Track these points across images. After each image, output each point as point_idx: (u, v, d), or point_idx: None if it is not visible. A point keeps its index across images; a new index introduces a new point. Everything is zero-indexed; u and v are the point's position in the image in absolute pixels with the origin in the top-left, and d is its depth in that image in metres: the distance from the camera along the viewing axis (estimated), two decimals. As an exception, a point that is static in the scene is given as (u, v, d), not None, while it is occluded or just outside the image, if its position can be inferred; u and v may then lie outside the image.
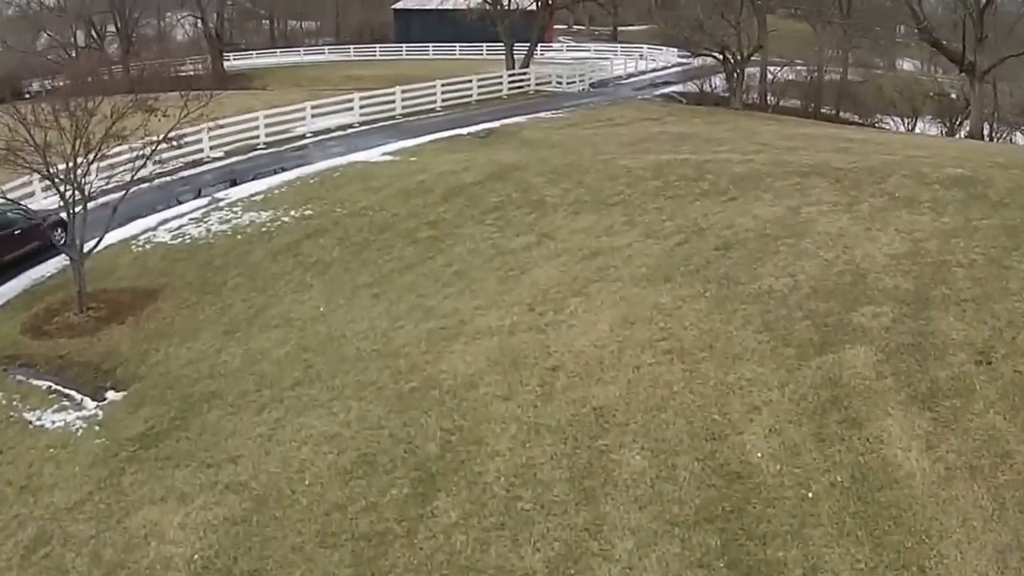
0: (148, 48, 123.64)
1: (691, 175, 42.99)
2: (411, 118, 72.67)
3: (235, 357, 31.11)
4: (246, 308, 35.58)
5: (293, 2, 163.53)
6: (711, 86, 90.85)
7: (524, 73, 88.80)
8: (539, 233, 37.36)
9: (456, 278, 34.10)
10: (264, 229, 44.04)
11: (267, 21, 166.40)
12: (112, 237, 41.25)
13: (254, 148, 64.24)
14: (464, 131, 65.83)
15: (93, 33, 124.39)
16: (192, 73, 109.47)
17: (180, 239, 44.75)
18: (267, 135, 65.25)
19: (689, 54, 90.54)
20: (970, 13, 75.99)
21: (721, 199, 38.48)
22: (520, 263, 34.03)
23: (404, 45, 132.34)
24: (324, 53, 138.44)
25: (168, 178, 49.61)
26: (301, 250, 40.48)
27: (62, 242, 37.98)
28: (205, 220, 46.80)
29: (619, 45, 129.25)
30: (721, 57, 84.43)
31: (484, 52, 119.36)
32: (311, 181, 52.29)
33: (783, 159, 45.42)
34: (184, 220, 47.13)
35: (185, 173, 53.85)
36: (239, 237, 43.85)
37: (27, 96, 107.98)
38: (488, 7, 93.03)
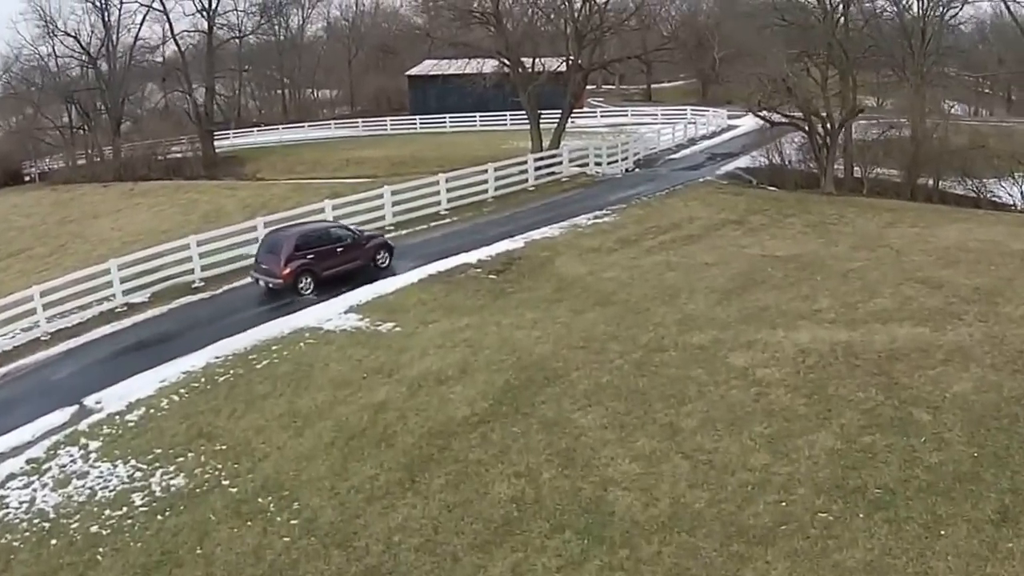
0: (142, 125, 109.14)
1: (871, 388, 25.44)
2: (403, 231, 49.44)
3: None
4: None
5: (310, 70, 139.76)
6: (782, 157, 65.43)
7: (554, 155, 63.81)
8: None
9: None
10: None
11: (281, 91, 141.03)
12: None
13: (191, 288, 42.69)
14: (472, 257, 42.34)
15: (81, 111, 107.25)
16: (181, 156, 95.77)
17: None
18: (203, 266, 43.54)
19: (760, 118, 61.91)
20: None
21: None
22: None
23: (418, 117, 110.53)
24: (330, 128, 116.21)
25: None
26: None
27: (385, 265, 40.34)
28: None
29: (658, 108, 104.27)
30: (807, 126, 57.13)
31: (508, 122, 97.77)
32: (219, 379, 31.29)
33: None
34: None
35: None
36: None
37: (27, 180, 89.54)
38: (507, 71, 67.78)
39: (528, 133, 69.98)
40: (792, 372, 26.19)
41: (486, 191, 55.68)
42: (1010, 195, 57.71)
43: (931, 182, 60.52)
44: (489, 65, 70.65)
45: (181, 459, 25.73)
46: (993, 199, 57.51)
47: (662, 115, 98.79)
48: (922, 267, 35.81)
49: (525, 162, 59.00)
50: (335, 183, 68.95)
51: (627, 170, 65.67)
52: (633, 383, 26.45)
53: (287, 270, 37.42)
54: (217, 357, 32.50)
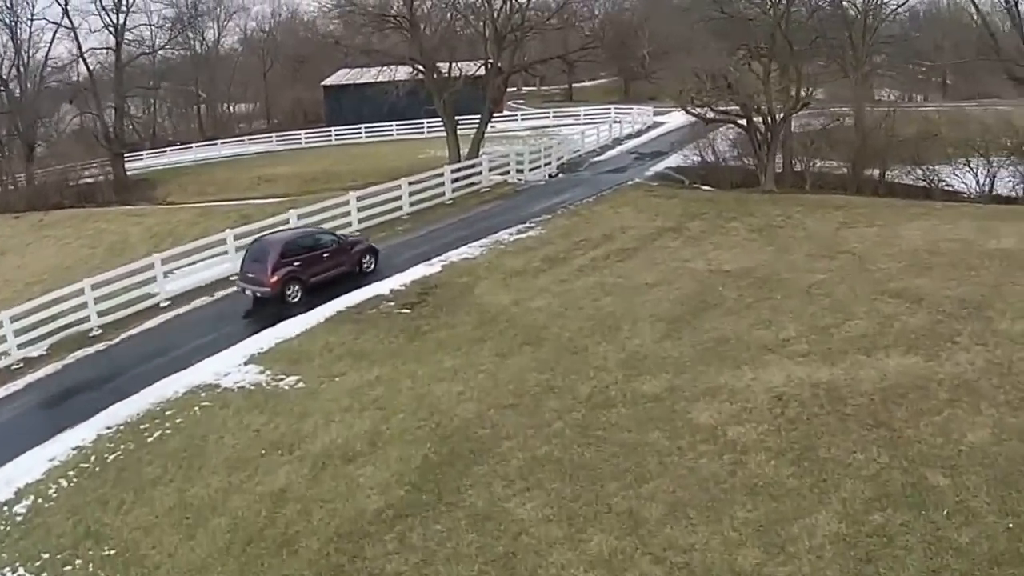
0: (55, 149, 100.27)
1: (871, 447, 20.17)
2: None
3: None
4: None
5: (226, 84, 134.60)
6: (715, 154, 60.32)
7: (473, 164, 58.24)
8: None
9: None
10: None
11: (196, 108, 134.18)
12: None
13: (88, 338, 37.11)
14: (384, 286, 36.97)
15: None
16: (93, 181, 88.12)
17: None
18: (100, 312, 38.01)
19: (694, 116, 56.56)
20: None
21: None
22: None
23: (333, 129, 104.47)
24: (244, 144, 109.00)
25: None
26: None
27: (370, 269, 38.75)
28: None
29: (581, 108, 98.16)
30: (745, 122, 51.95)
31: (425, 130, 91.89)
32: (109, 457, 25.98)
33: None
34: None
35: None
36: None
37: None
38: (422, 77, 61.80)
39: (446, 141, 63.99)
40: (771, 429, 20.96)
41: (400, 208, 50.09)
42: (963, 183, 52.75)
43: (877, 173, 55.43)
44: (403, 72, 64.53)
45: (68, 567, 20.52)
46: (945, 188, 52.51)
47: (585, 115, 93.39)
48: (893, 276, 30.99)
49: (442, 174, 53.32)
50: (245, 205, 63.49)
51: (551, 176, 60.64)
52: (578, 454, 21.09)
53: (274, 278, 35.75)
54: (108, 428, 27.13)
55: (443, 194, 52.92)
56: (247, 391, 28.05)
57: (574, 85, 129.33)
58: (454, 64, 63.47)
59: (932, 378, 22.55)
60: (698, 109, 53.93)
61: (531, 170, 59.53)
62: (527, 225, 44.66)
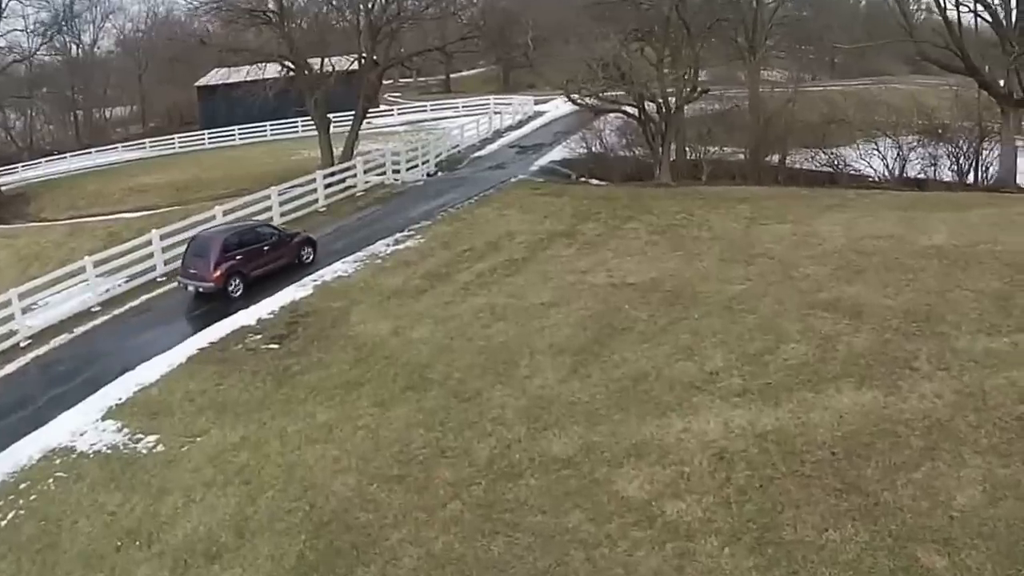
0: None
1: (844, 521, 16.10)
2: (172, 282, 37.46)
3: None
4: None
5: (102, 88, 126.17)
6: (603, 144, 56.01)
7: (347, 167, 52.72)
8: None
9: None
10: None
11: (73, 114, 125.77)
12: None
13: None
14: (251, 315, 31.89)
15: None
16: None
17: None
18: None
19: (582, 106, 52.26)
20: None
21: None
22: None
23: (207, 132, 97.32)
24: (118, 151, 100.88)
25: None
26: None
27: (309, 260, 37.45)
28: None
29: (459, 100, 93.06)
30: (638, 113, 47.60)
31: (300, 130, 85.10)
32: None
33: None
34: None
35: None
36: None
37: None
38: (291, 74, 56.41)
39: (319, 143, 58.83)
40: (719, 503, 16.72)
41: (270, 220, 44.39)
42: (871, 167, 49.15)
43: (776, 159, 51.52)
44: (274, 70, 59.01)
45: None
46: (852, 172, 48.80)
47: (464, 107, 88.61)
48: (822, 284, 27.04)
49: (313, 180, 48.04)
50: (114, 220, 57.23)
51: (429, 175, 55.75)
52: (483, 549, 16.64)
53: (217, 273, 34.54)
54: None
55: (316, 201, 47.69)
56: (103, 456, 23.21)
57: (452, 76, 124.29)
58: (326, 60, 58.03)
59: (898, 419, 18.55)
60: (587, 99, 49.52)
61: (409, 169, 54.69)
62: (405, 234, 39.80)
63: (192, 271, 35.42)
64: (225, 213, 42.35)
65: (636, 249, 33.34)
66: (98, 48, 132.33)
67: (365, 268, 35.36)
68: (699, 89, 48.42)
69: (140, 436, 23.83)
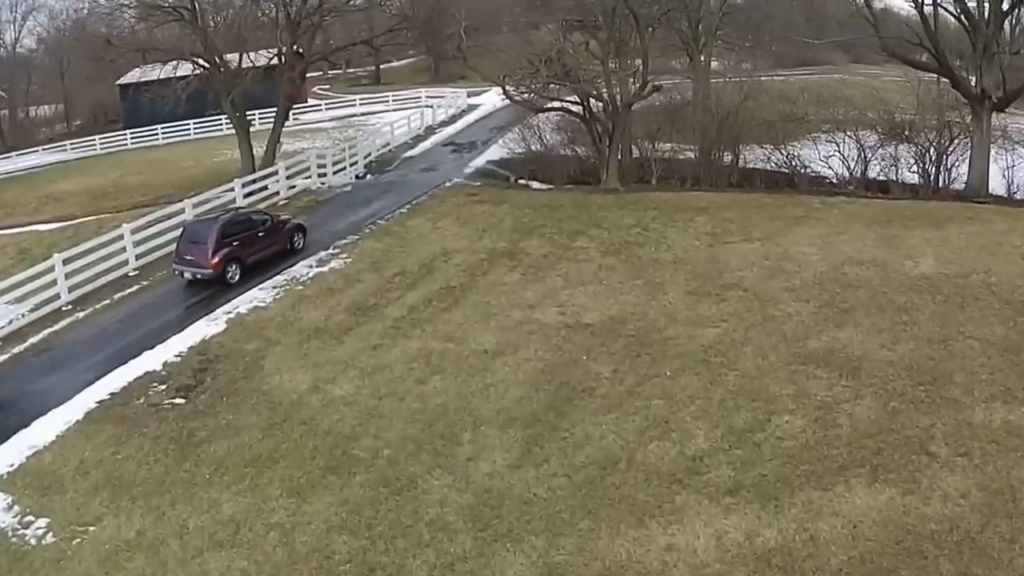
0: None
1: None
2: (81, 311, 33.28)
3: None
4: None
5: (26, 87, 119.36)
6: (542, 142, 51.51)
7: (268, 174, 48.14)
8: None
9: None
10: None
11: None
12: None
13: None
14: (157, 357, 27.38)
15: None
16: None
17: None
18: None
19: (521, 104, 48.26)
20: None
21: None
22: None
23: (129, 132, 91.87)
24: (38, 153, 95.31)
25: None
26: None
27: (300, 247, 37.12)
28: None
29: (389, 93, 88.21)
30: (583, 112, 43.58)
31: (223, 127, 78.45)
32: None
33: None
34: None
35: None
36: None
37: None
38: (206, 72, 51.82)
39: (238, 147, 54.17)
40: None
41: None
42: (829, 167, 45.42)
43: (728, 157, 47.58)
44: (188, 68, 53.96)
45: None
46: (811, 174, 45.00)
47: (394, 101, 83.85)
48: (808, 327, 23.50)
49: (232, 189, 43.48)
50: (26, 233, 51.98)
51: (358, 177, 51.49)
52: None
53: (215, 259, 33.93)
54: None
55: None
56: (-5, 543, 18.93)
57: (382, 66, 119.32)
58: (245, 56, 53.10)
59: (922, 531, 15.13)
60: (525, 96, 45.42)
61: (336, 172, 50.62)
62: (330, 252, 35.69)
63: (188, 258, 34.71)
64: (134, 231, 38.05)
65: (589, 275, 29.41)
66: (20, 46, 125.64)
67: (285, 296, 31.13)
68: (650, 85, 44.19)
69: (30, 518, 19.62)
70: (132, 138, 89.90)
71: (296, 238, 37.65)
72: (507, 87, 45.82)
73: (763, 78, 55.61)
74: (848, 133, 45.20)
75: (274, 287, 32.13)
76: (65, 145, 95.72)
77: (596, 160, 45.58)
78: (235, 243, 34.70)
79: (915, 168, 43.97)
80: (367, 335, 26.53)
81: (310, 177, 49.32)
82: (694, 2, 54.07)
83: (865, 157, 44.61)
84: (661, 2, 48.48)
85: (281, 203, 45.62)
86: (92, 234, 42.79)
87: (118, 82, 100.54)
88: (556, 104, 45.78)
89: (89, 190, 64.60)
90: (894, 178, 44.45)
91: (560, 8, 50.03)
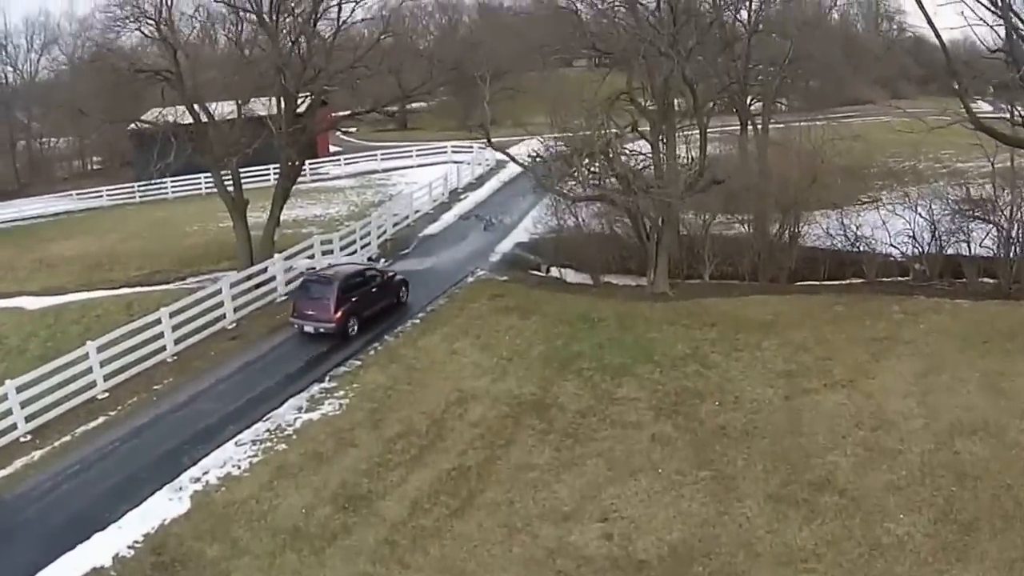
0: None
1: None
2: (38, 450, 28.17)
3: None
4: None
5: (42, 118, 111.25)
6: (575, 219, 44.89)
7: (264, 268, 41.86)
8: None
9: None
10: None
11: (12, 146, 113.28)
12: None
13: None
14: (107, 546, 22.07)
15: None
16: None
17: None
18: None
19: (561, 196, 42.70)
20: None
21: None
22: None
23: (136, 184, 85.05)
24: (44, 200, 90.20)
25: None
26: None
27: (405, 300, 38.83)
28: None
29: (414, 146, 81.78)
30: (629, 207, 38.19)
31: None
32: None
33: None
34: None
35: None
36: None
37: None
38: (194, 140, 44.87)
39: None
40: None
41: (163, 348, 34.73)
42: (893, 245, 40.10)
43: (783, 230, 41.58)
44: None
45: None
46: (875, 252, 40.01)
47: (418, 154, 78.29)
48: (924, 566, 18.29)
49: (219, 290, 37.77)
50: (8, 311, 47.73)
51: (370, 259, 45.93)
52: None
53: (338, 314, 35.09)
54: None
55: (223, 317, 37.55)
56: None
57: (409, 105, 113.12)
58: (241, 119, 46.33)
59: None
60: (560, 187, 39.65)
61: (344, 250, 45.82)
62: (324, 386, 29.94)
63: (309, 312, 35.64)
64: (100, 349, 32.19)
65: (640, 455, 23.47)
66: (37, 78, 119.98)
67: (262, 463, 25.35)
68: (708, 178, 37.76)
69: None
70: (140, 190, 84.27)
71: (402, 292, 38.97)
72: (546, 184, 40.22)
73: (798, 122, 48.66)
74: (918, 206, 40.28)
75: (254, 441, 26.52)
76: (71, 193, 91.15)
77: (635, 239, 39.40)
78: (354, 298, 35.76)
79: (992, 245, 38.53)
80: (355, 553, 20.59)
81: (313, 256, 44.05)
82: (745, 66, 47.49)
83: (938, 235, 39.40)
84: (719, 72, 42.13)
85: (280, 299, 40.00)
86: (72, 323, 41.81)
87: (128, 127, 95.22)
88: (600, 197, 39.31)
89: (85, 257, 59.88)
90: (966, 251, 39.11)
91: (592, 38, 43.39)
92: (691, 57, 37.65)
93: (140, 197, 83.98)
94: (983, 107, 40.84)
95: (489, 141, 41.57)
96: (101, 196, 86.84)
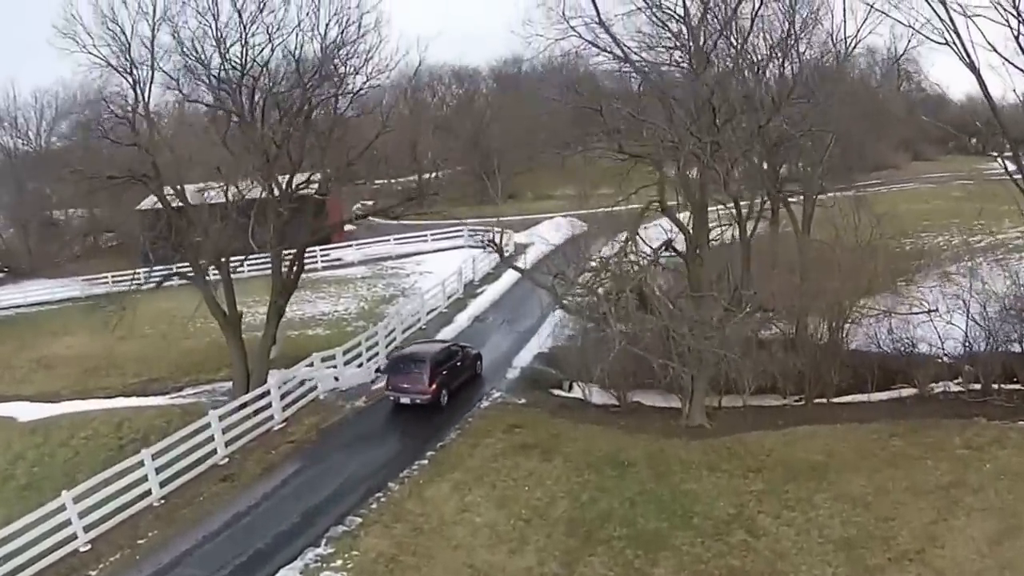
0: None
1: None
2: None
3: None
4: None
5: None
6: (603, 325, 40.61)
7: (262, 394, 38.21)
8: None
9: None
10: None
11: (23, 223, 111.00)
12: None
13: None
14: None
15: None
16: None
17: None
18: None
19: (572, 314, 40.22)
20: None
21: None
22: None
23: (142, 271, 78.29)
24: (49, 286, 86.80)
25: None
26: None
27: (480, 372, 41.94)
28: None
29: (428, 230, 77.25)
30: (664, 339, 34.55)
31: (245, 270, 62.96)
32: None
33: None
34: None
35: None
36: None
37: None
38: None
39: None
40: None
41: (149, 492, 31.28)
42: (944, 351, 37.27)
43: (824, 329, 38.34)
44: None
45: None
46: (928, 356, 37.14)
47: (433, 238, 74.99)
48: None
49: (208, 424, 34.17)
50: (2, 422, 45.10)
51: (379, 371, 42.06)
52: None
53: (432, 386, 37.84)
54: None
55: (214, 451, 34.09)
56: None
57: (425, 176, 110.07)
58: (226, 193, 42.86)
59: None
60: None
61: (349, 365, 43.10)
62: (319, 552, 26.26)
63: (404, 386, 38.29)
64: (75, 500, 28.74)
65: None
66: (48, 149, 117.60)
67: None
68: (761, 307, 34.17)
69: None
70: (146, 279, 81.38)
71: (478, 365, 42.20)
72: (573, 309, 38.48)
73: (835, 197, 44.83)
74: (962, 304, 37.43)
75: None
76: (78, 279, 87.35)
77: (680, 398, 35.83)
78: (444, 372, 38.68)
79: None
80: None
81: (315, 384, 40.71)
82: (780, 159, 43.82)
83: (992, 335, 36.17)
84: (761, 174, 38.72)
85: (277, 428, 36.95)
86: (60, 444, 39.78)
87: (137, 207, 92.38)
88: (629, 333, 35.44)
89: (82, 357, 57.83)
90: (1018, 349, 36.17)
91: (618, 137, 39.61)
92: (737, 165, 34.47)
93: (146, 280, 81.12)
94: (1008, 166, 37.53)
95: (502, 256, 40.98)
96: (107, 282, 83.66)
